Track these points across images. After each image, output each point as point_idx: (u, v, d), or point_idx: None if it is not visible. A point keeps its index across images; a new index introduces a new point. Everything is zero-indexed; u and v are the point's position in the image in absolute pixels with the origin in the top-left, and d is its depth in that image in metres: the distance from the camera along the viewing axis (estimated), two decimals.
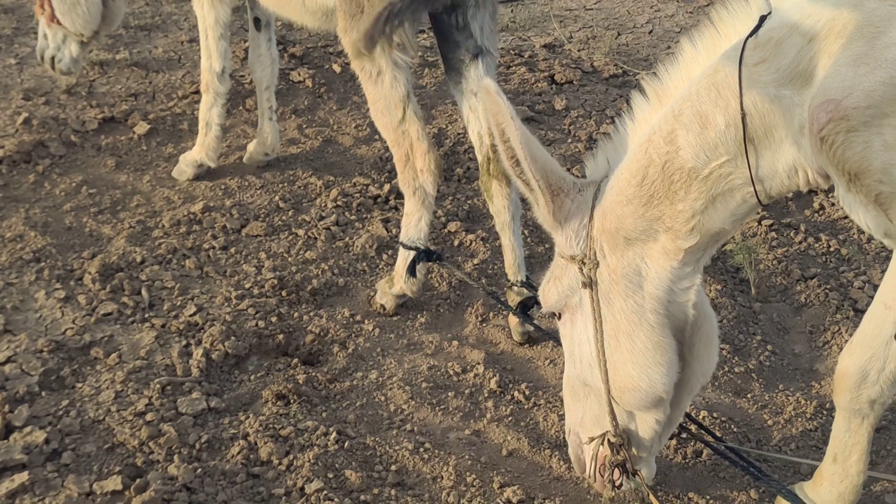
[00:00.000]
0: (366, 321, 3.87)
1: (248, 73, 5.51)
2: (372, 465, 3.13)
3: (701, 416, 3.31)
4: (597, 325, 2.51)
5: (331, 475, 3.05)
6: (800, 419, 3.38)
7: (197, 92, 5.34)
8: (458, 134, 5.29)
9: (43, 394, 3.37)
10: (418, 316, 3.92)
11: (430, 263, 3.92)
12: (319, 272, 4.14)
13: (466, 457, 3.17)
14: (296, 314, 3.89)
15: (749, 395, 3.51)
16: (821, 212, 4.72)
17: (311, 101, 5.74)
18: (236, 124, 5.45)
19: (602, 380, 2.53)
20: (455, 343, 3.76)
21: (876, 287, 3.37)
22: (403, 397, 3.44)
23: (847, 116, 1.96)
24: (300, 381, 3.46)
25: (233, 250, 4.31)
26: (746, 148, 2.18)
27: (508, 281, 3.88)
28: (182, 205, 4.67)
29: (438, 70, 5.90)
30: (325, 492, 2.96)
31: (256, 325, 3.76)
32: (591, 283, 2.50)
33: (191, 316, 3.82)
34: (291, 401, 3.38)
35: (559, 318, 2.69)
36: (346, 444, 3.18)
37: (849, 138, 1.98)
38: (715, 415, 3.35)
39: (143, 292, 3.97)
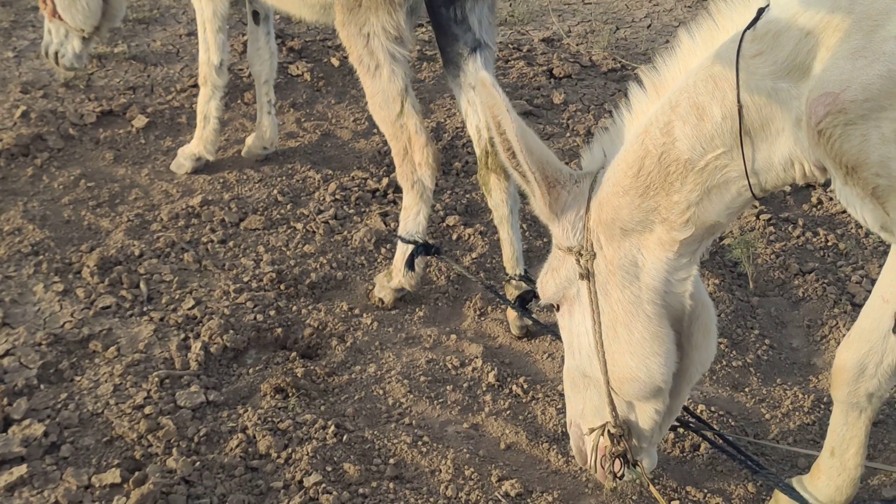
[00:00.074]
0: (364, 315, 3.87)
1: (247, 67, 5.50)
2: (370, 458, 3.13)
3: (699, 410, 3.31)
4: (595, 317, 2.51)
5: (329, 468, 3.06)
6: (797, 413, 3.38)
7: (195, 85, 5.33)
8: (457, 128, 5.28)
9: (41, 387, 3.37)
10: (416, 310, 3.92)
11: (428, 257, 3.92)
12: (318, 266, 4.14)
13: (465, 450, 3.18)
14: (294, 308, 3.89)
15: (747, 389, 3.51)
16: (819, 206, 4.72)
17: (309, 94, 5.73)
18: (234, 118, 5.44)
19: (601, 370, 2.54)
20: (453, 337, 3.76)
21: (873, 281, 3.38)
22: (402, 391, 3.44)
23: (845, 109, 1.96)
24: (298, 375, 3.46)
25: (231, 244, 4.30)
26: (742, 140, 2.18)
27: (507, 275, 3.88)
28: (180, 198, 4.67)
29: (437, 64, 5.89)
30: (323, 485, 2.97)
31: (255, 318, 3.76)
32: (588, 275, 2.50)
33: (189, 309, 3.82)
34: (290, 394, 3.39)
35: (557, 309, 2.69)
36: (345, 437, 3.19)
37: (846, 131, 1.98)
38: (713, 408, 3.35)
39: (142, 286, 3.97)
